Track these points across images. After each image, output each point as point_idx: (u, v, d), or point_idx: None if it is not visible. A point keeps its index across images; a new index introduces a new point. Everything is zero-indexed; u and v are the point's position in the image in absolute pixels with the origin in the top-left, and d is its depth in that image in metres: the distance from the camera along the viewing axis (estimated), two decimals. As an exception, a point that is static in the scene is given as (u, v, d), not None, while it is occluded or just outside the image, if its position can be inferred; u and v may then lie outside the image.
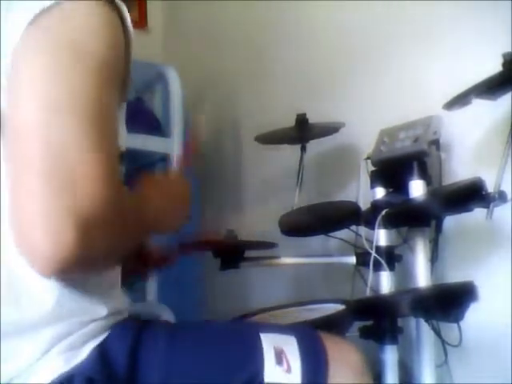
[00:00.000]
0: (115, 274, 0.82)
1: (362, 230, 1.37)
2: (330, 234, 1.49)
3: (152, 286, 1.95)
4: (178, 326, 0.82)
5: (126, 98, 0.80)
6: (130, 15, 0.75)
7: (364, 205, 1.39)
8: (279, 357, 0.77)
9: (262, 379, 0.75)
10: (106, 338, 0.74)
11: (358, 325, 1.24)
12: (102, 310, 0.75)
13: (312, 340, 0.82)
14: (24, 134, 0.64)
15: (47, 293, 0.71)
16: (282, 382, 0.76)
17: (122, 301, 0.82)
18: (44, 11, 0.67)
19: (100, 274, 0.76)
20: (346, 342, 0.87)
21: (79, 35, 0.69)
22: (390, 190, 1.36)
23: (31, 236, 0.60)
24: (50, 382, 0.69)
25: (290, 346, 0.79)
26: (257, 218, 2.10)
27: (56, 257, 0.60)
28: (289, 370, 0.76)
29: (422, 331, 1.24)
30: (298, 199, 1.58)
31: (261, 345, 0.78)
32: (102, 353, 0.72)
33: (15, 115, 0.66)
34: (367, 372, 0.83)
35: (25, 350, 0.70)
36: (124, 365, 0.73)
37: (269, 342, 0.79)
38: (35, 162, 0.62)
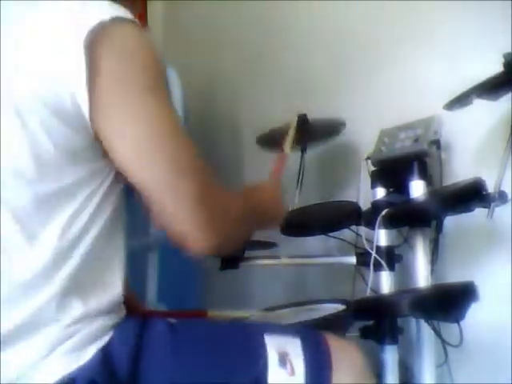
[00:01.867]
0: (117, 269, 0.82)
1: (363, 230, 1.37)
2: (330, 234, 1.49)
3: (152, 285, 1.94)
4: (181, 327, 0.82)
5: None
6: (135, 15, 0.76)
7: (364, 205, 1.40)
8: (283, 359, 0.77)
9: (266, 381, 0.75)
10: (110, 340, 0.73)
11: (358, 325, 1.24)
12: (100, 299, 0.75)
13: (316, 342, 0.82)
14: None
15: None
16: None
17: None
18: (92, 32, 0.69)
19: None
20: (349, 342, 0.88)
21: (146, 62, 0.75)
22: (391, 190, 1.36)
23: (184, 238, 0.77)
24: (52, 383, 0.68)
25: (294, 348, 0.79)
26: (257, 218, 2.10)
27: (203, 251, 0.78)
28: (292, 373, 0.76)
29: (422, 331, 1.24)
30: (298, 199, 1.58)
31: (265, 347, 0.78)
32: (104, 355, 0.72)
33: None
34: (369, 371, 0.83)
35: (28, 350, 0.69)
36: (127, 368, 0.72)
37: (273, 344, 0.79)
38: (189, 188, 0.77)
